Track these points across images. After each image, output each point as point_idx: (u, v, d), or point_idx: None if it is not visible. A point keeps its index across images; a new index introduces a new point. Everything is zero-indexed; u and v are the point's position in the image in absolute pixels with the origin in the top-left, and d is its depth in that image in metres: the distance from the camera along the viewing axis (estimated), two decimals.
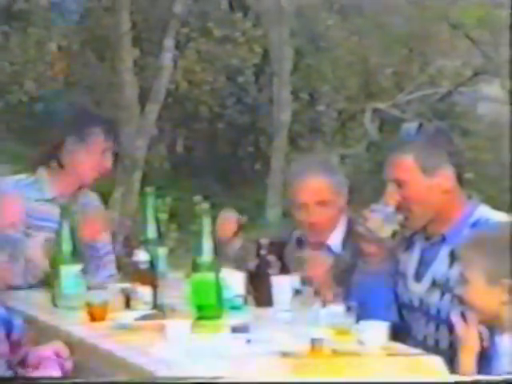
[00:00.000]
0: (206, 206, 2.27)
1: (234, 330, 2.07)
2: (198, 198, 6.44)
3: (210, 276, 2.22)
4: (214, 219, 2.29)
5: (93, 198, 2.95)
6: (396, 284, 2.41)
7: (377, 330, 2.02)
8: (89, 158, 2.79)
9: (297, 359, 1.92)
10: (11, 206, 2.57)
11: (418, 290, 2.36)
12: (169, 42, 7.67)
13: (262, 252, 2.41)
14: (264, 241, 2.42)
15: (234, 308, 2.31)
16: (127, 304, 2.30)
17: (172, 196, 7.47)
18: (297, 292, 2.22)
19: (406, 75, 9.32)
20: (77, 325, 2.21)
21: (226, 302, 2.28)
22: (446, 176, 2.35)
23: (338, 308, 2.11)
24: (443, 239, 2.34)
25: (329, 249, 2.61)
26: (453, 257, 2.30)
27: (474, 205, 2.37)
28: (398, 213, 2.33)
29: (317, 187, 2.58)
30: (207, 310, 2.21)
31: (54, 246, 2.37)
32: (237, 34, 9.02)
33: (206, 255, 2.22)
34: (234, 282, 2.34)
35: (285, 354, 1.93)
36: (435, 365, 1.97)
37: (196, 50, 8.90)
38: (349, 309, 2.10)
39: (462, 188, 2.38)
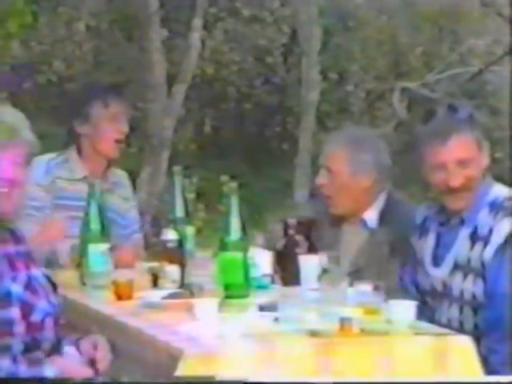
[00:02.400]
0: (233, 184, 2.27)
1: (262, 308, 2.07)
2: (225, 177, 6.45)
3: (237, 255, 2.22)
4: (241, 199, 2.29)
5: (122, 177, 2.96)
6: (416, 272, 2.39)
7: (405, 309, 2.01)
8: (102, 126, 2.79)
9: (325, 338, 1.92)
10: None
11: (438, 274, 2.33)
12: (197, 22, 7.64)
13: (290, 232, 2.41)
14: (291, 221, 2.42)
15: (262, 287, 2.32)
16: (155, 283, 2.31)
17: (199, 176, 7.48)
18: (324, 271, 2.21)
19: (436, 54, 9.19)
20: (105, 303, 2.23)
21: (253, 280, 2.28)
22: (487, 152, 2.33)
23: (366, 287, 2.11)
24: (462, 222, 2.31)
25: (364, 224, 2.60)
26: (473, 238, 2.28)
27: (488, 184, 2.33)
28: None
29: (332, 157, 2.58)
30: (235, 288, 2.22)
31: (82, 225, 2.39)
32: (265, 13, 8.95)
33: (234, 234, 2.22)
34: (262, 261, 2.34)
35: (313, 333, 1.93)
36: (463, 344, 1.96)
37: (224, 30, 8.87)
38: (377, 288, 2.09)
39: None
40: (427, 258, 2.37)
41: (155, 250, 2.49)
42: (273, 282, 2.37)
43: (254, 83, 9.13)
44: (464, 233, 2.31)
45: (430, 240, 2.38)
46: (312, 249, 2.41)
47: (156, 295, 2.20)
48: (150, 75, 7.41)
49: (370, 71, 9.24)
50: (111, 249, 2.36)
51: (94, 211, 2.37)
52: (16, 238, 1.94)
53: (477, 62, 8.86)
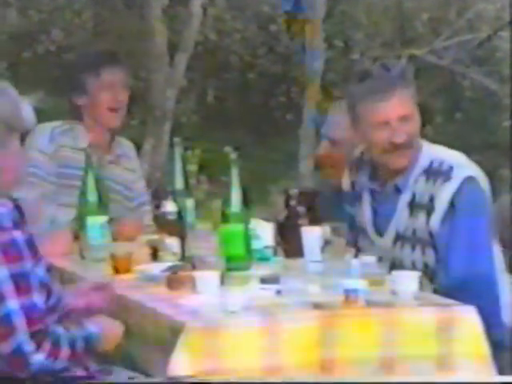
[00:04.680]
0: (234, 156, 2.23)
1: (264, 281, 2.04)
2: (228, 148, 6.39)
3: (238, 227, 2.19)
4: (244, 170, 2.25)
5: (128, 148, 2.93)
6: (357, 239, 2.37)
7: (409, 280, 1.98)
8: (96, 96, 2.76)
9: (329, 310, 1.89)
10: None
11: (382, 243, 2.31)
12: None
13: (292, 203, 2.37)
14: (293, 191, 2.38)
15: (264, 259, 2.29)
16: (154, 256, 2.29)
17: (202, 147, 7.41)
18: (327, 243, 2.18)
19: (444, 20, 9.06)
20: (104, 276, 2.20)
21: (255, 252, 2.26)
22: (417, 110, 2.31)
23: (371, 258, 2.07)
24: (397, 190, 2.28)
25: None
26: (413, 207, 2.25)
27: (420, 147, 2.29)
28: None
29: (335, 127, 2.58)
30: (236, 261, 2.19)
31: (80, 197, 2.35)
32: None
33: (235, 206, 2.19)
34: (264, 232, 2.31)
35: (317, 305, 1.90)
36: (468, 315, 1.93)
37: None
38: (381, 259, 2.06)
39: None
40: (369, 228, 2.35)
41: (157, 222, 2.46)
42: (275, 254, 2.34)
43: (258, 52, 9.03)
44: (402, 202, 2.28)
45: (367, 209, 2.35)
46: (315, 220, 2.37)
47: (156, 268, 2.17)
48: (151, 44, 7.33)
49: (376, 38, 9.12)
50: (110, 221, 2.33)
51: (91, 183, 2.34)
52: (25, 219, 1.90)
53: (485, 28, 8.72)
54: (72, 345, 1.80)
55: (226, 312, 1.86)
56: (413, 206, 2.26)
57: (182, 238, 2.28)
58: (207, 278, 1.99)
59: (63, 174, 2.72)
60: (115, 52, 3.04)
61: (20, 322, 1.75)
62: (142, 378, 1.91)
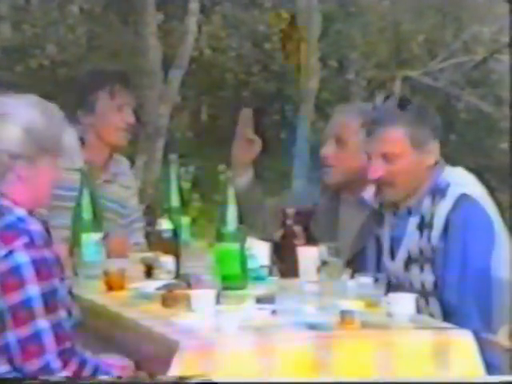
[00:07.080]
0: (229, 174, 2.22)
1: (259, 300, 2.03)
2: (222, 167, 6.39)
3: (234, 246, 2.18)
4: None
5: (124, 165, 2.91)
6: (379, 261, 2.36)
7: (405, 302, 1.97)
8: (108, 117, 2.75)
9: (324, 331, 1.88)
10: None
11: (393, 267, 2.31)
12: (193, 6, 7.56)
13: (288, 222, 2.35)
14: (290, 210, 2.36)
15: (259, 279, 2.28)
16: (148, 273, 2.27)
17: (195, 165, 7.43)
18: (324, 263, 2.17)
19: (439, 42, 9.12)
20: (98, 293, 2.19)
21: (250, 272, 2.24)
22: (432, 151, 2.30)
23: (367, 279, 2.06)
24: (409, 212, 2.29)
25: (362, 201, 2.53)
26: (421, 228, 2.25)
27: (438, 172, 2.30)
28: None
29: (345, 126, 2.55)
30: (232, 280, 2.18)
31: (74, 214, 2.34)
32: None
33: (231, 225, 2.18)
34: (259, 252, 2.30)
35: (312, 326, 1.89)
36: (464, 338, 1.92)
37: (221, 14, 8.81)
38: (377, 280, 2.05)
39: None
40: (385, 249, 2.35)
41: (150, 239, 2.45)
42: (271, 273, 2.33)
43: (252, 70, 9.07)
44: (412, 224, 2.29)
45: (386, 231, 2.36)
46: (311, 240, 2.36)
47: (151, 286, 2.15)
48: (145, 61, 7.33)
49: (371, 59, 9.17)
50: (104, 238, 2.31)
51: (86, 200, 2.32)
52: (52, 238, 1.90)
53: (481, 50, 8.76)
54: (94, 373, 1.81)
55: (221, 331, 1.84)
56: (421, 227, 2.27)
57: (177, 256, 2.27)
58: (202, 297, 1.97)
59: (55, 196, 2.69)
60: (126, 73, 3.03)
61: (49, 340, 1.76)
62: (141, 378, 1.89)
